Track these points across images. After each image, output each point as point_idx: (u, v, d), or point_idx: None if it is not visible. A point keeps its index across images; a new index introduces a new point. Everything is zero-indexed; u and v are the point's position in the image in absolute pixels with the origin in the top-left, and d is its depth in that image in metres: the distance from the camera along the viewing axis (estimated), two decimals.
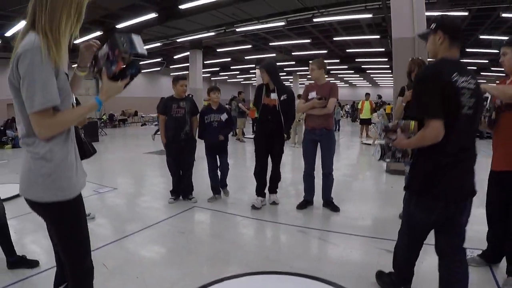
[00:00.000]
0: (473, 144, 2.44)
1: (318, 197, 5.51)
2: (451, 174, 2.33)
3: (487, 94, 3.05)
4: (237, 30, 17.68)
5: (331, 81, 5.44)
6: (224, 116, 5.73)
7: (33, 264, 3.54)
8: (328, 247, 4.25)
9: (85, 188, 1.94)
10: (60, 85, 1.70)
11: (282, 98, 5.16)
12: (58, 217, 1.78)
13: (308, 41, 21.34)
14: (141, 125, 29.74)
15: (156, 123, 29.67)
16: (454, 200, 2.37)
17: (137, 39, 1.81)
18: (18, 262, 3.51)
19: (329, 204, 5.42)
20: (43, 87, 1.58)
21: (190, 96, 6.93)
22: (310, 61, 5.49)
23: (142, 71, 23.58)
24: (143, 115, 31.87)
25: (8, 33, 17.01)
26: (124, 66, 1.81)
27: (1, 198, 3.60)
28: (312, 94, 5.07)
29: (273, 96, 5.17)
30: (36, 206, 1.75)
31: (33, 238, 4.35)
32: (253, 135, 5.58)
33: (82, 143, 4.26)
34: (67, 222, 1.80)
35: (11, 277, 3.33)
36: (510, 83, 3.18)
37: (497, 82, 3.77)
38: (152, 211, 5.49)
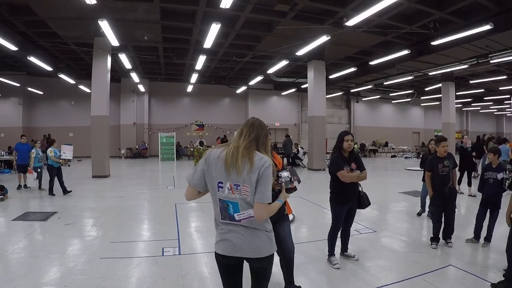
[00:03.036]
0: None
1: None
2: None
3: None
4: (492, 61, 16.06)
5: None
6: (500, 175, 5.86)
7: None
8: None
9: None
10: None
11: None
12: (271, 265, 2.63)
13: None
14: (391, 157, 29.32)
15: (406, 155, 29.28)
16: None
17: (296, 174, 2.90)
18: None
19: None
20: (270, 190, 2.41)
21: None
22: None
23: (393, 101, 27.20)
24: (393, 147, 31.73)
25: (270, 70, 20.51)
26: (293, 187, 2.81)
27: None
28: None
29: None
30: (264, 260, 2.53)
31: (304, 270, 4.94)
32: None
33: (360, 196, 5.09)
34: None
35: None
36: None
37: None
38: (409, 262, 5.34)
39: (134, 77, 21.51)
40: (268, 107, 29.48)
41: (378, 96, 31.28)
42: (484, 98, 31.78)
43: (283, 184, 2.75)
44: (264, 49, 16.88)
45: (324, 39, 12.77)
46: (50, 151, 10.67)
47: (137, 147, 26.12)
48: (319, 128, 18.29)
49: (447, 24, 12.93)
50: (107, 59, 14.80)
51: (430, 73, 19.93)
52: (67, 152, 11.54)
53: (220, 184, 2.47)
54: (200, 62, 17.48)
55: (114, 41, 13.01)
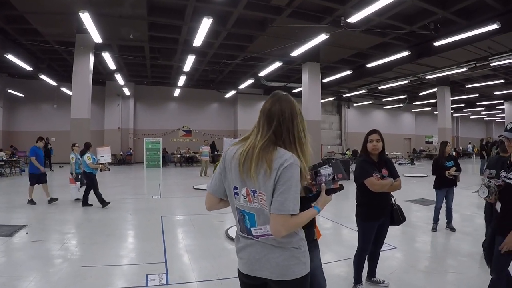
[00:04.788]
0: None
1: None
2: None
3: None
4: (492, 64, 15.70)
5: None
6: None
7: None
8: None
9: None
10: None
11: None
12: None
13: None
14: None
15: (400, 161, 28.68)
16: None
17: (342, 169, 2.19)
18: None
19: None
20: (295, 198, 1.82)
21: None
22: None
23: (384, 107, 25.41)
24: (386, 153, 31.17)
25: (262, 73, 19.79)
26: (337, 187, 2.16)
27: None
28: None
29: None
30: (289, 284, 1.96)
31: None
32: None
33: (392, 210, 4.10)
34: None
35: None
36: None
37: None
38: (447, 285, 4.58)
39: (119, 79, 20.43)
40: (258, 112, 28.51)
41: (370, 102, 30.90)
42: (477, 104, 31.75)
43: (323, 184, 2.13)
44: (257, 50, 16.09)
45: (322, 37, 12.01)
46: (88, 157, 9.54)
47: (121, 153, 25.01)
48: (315, 133, 17.45)
49: (449, 24, 12.39)
50: (89, 57, 13.74)
51: (427, 77, 19.44)
52: (105, 154, 10.49)
53: (235, 190, 2.03)
54: (189, 63, 16.53)
55: (97, 38, 12.04)
